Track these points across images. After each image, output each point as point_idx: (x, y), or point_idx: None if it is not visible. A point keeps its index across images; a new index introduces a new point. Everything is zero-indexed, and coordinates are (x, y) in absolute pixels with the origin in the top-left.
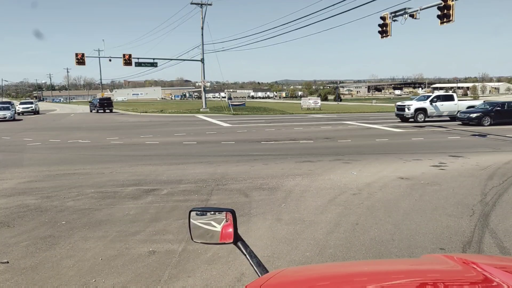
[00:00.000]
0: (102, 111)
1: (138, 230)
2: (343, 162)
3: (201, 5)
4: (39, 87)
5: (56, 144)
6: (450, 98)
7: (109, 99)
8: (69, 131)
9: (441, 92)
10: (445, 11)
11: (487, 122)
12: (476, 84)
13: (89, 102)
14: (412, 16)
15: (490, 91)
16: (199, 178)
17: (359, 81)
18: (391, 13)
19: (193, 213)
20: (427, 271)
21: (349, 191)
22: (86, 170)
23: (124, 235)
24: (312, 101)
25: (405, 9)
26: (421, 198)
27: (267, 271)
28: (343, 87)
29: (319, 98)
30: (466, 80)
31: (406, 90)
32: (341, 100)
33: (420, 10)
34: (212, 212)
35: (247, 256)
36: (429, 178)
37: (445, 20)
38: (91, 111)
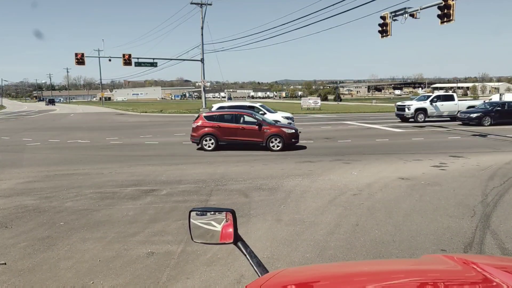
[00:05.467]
0: (52, 104)
1: (136, 231)
2: (343, 162)
3: (201, 5)
4: (39, 87)
5: (55, 144)
6: (450, 98)
7: (53, 99)
8: (70, 131)
9: (441, 92)
10: (446, 11)
11: (488, 122)
12: (476, 84)
13: (45, 100)
14: (412, 15)
15: (490, 91)
16: (199, 179)
17: (359, 81)
18: (391, 12)
19: (193, 213)
20: (427, 271)
21: (350, 191)
22: (85, 170)
23: (122, 236)
24: (312, 101)
25: (405, 8)
26: (421, 198)
27: (267, 271)
28: (343, 87)
29: (319, 98)
30: (466, 80)
31: (406, 90)
32: (341, 100)
33: (420, 9)
34: (212, 212)
35: (247, 256)
36: (429, 178)
37: (445, 20)
38: (45, 104)
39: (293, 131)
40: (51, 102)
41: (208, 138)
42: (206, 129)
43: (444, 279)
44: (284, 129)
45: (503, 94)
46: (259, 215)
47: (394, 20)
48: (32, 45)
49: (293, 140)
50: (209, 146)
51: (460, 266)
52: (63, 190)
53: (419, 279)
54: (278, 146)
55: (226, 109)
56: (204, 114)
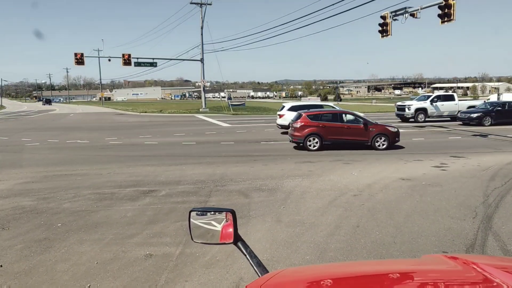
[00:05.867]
0: (48, 104)
1: (135, 232)
2: (343, 163)
3: (201, 4)
4: (38, 87)
5: (54, 145)
6: (450, 98)
7: (49, 99)
8: (69, 131)
9: (441, 92)
10: (446, 10)
11: (488, 122)
12: (476, 84)
13: (42, 99)
14: (412, 15)
15: (490, 91)
16: (198, 179)
17: (359, 81)
18: (391, 12)
19: (193, 213)
20: (428, 271)
21: (350, 192)
22: (84, 171)
23: (120, 238)
24: (312, 101)
25: (405, 8)
26: (422, 199)
27: (267, 271)
28: (343, 87)
29: (319, 98)
30: (466, 80)
31: (406, 90)
32: (341, 100)
33: (421, 9)
34: (212, 212)
35: (247, 256)
36: (430, 179)
37: (446, 19)
38: (42, 104)
39: (396, 129)
40: (48, 102)
41: (312, 138)
42: (310, 128)
43: (444, 279)
44: (389, 128)
45: (501, 94)
46: (258, 216)
47: (395, 20)
48: (32, 45)
49: (396, 138)
50: (313, 146)
51: (460, 266)
52: (61, 191)
53: (419, 279)
54: (383, 145)
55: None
56: (306, 114)
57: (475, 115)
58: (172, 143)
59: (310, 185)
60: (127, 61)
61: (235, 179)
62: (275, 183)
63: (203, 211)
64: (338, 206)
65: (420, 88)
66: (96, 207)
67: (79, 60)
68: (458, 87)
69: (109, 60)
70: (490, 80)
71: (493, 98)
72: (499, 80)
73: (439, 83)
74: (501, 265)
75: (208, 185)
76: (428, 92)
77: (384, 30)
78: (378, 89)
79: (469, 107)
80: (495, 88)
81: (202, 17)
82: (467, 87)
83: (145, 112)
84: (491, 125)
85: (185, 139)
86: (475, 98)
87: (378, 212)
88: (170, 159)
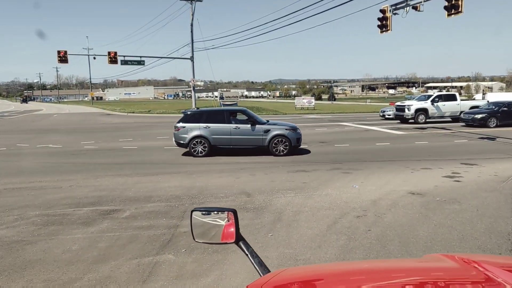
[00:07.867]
0: (25, 102)
1: (73, 277)
2: (342, 172)
3: (191, 1)
4: (30, 87)
5: (22, 150)
6: (452, 98)
7: (26, 98)
8: (44, 134)
9: (435, 91)
10: (453, 1)
11: (493, 123)
12: (470, 83)
13: (21, 98)
14: (415, 8)
15: (483, 90)
16: (172, 194)
17: (353, 80)
18: (391, 5)
19: (195, 213)
20: (429, 270)
21: (352, 212)
22: (43, 183)
23: (50, 287)
24: (306, 101)
25: (407, 0)
26: (441, 222)
27: (269, 271)
28: (337, 86)
29: (313, 97)
30: (459, 79)
31: (400, 89)
32: (335, 100)
33: (424, 1)
34: (215, 212)
35: (249, 255)
36: (444, 193)
37: (453, 12)
38: (21, 102)
39: None
40: (24, 100)
41: None
42: None
43: (445, 278)
44: None
45: (485, 93)
46: (239, 250)
47: (395, 13)
48: (23, 44)
49: None
50: None
51: (462, 265)
52: (4, 211)
53: (420, 278)
54: None
55: None
56: None
57: (479, 116)
58: (153, 148)
59: (304, 202)
60: (113, 59)
61: (217, 194)
62: (263, 199)
63: (205, 211)
64: (339, 232)
65: (414, 88)
66: (37, 235)
67: (63, 58)
68: (452, 87)
69: (94, 58)
70: (483, 79)
71: (478, 97)
72: (492, 79)
73: (433, 82)
74: (503, 264)
75: (184, 202)
76: (422, 92)
77: (383, 25)
78: (372, 88)
79: (472, 107)
80: (488, 87)
81: (192, 14)
82: (461, 87)
83: (133, 112)
84: (496, 126)
85: (168, 143)
86: (469, 97)
87: (389, 242)
88: (146, 167)
